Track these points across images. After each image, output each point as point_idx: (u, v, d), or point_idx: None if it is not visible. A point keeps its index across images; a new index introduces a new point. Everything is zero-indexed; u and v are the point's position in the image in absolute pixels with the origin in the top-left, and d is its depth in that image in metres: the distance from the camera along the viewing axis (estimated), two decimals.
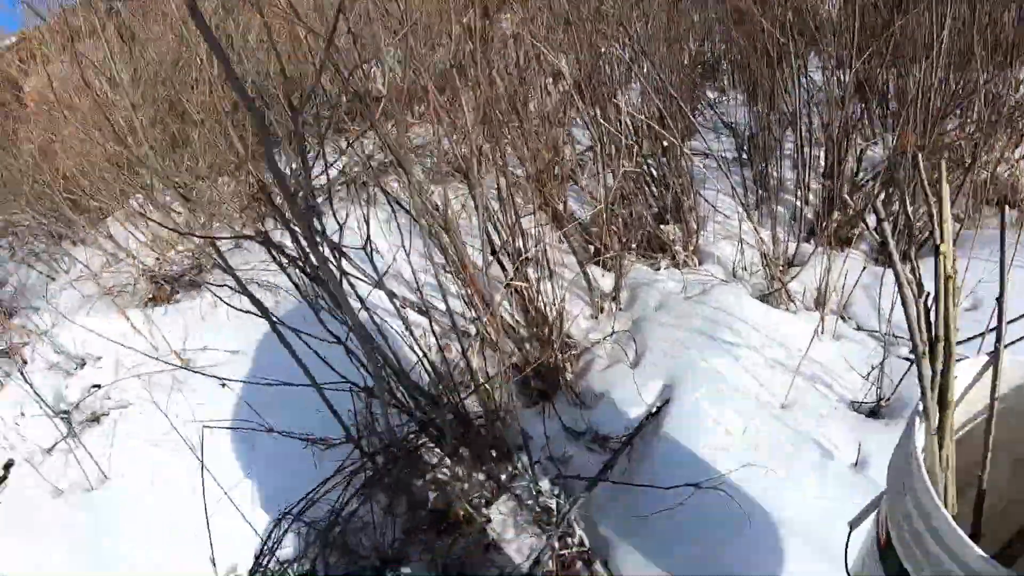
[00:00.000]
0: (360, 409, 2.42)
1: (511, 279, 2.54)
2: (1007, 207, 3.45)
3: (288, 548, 2.34)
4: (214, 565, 2.23)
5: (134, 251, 3.89)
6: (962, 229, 3.17)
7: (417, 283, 2.28)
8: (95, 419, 3.12)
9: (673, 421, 2.40)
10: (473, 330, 2.75)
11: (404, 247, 2.14)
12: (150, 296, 3.82)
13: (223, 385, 3.01)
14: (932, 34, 2.74)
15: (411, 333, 2.23)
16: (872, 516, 1.44)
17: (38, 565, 2.54)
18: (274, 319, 1.85)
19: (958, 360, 1.25)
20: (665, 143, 3.05)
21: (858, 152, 3.31)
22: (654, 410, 2.48)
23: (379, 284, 2.18)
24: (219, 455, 2.70)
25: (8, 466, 2.99)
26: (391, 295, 2.22)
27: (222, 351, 3.30)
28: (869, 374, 2.47)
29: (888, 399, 2.40)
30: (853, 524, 1.47)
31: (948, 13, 2.72)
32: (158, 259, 3.94)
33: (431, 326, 2.33)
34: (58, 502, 2.75)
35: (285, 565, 2.26)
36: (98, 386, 3.27)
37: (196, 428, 2.64)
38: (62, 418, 3.08)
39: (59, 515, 2.70)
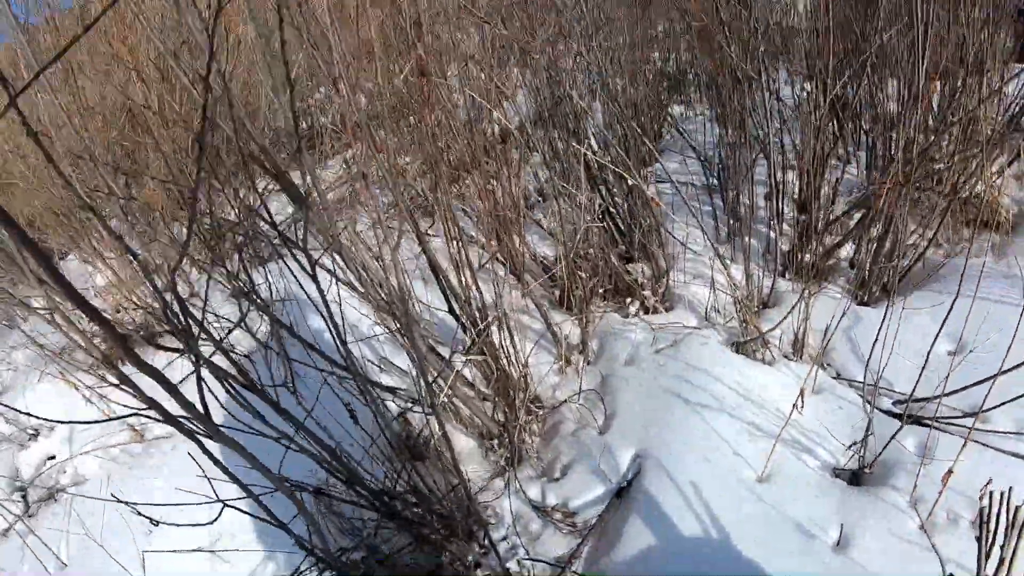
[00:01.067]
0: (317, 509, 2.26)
1: (471, 347, 2.37)
2: (990, 230, 3.32)
3: None
4: None
5: (92, 295, 3.70)
6: (946, 257, 3.01)
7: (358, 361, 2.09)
8: (51, 496, 2.94)
9: (645, 498, 2.23)
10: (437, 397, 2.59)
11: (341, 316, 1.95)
12: (104, 356, 3.61)
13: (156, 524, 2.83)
14: (914, 52, 2.56)
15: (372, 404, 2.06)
16: None
17: None
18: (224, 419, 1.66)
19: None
20: (631, 181, 2.86)
21: (834, 179, 3.11)
22: (625, 484, 2.31)
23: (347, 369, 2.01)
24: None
25: None
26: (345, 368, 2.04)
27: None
28: (851, 446, 2.30)
29: (871, 465, 2.24)
30: None
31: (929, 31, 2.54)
32: (117, 311, 3.74)
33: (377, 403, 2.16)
34: None
35: None
36: (53, 457, 3.09)
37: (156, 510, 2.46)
38: (16, 499, 2.91)
39: None
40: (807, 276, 2.97)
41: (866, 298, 2.99)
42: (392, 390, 2.47)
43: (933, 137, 2.69)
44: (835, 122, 3.23)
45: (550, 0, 2.86)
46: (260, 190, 4.03)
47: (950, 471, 1.89)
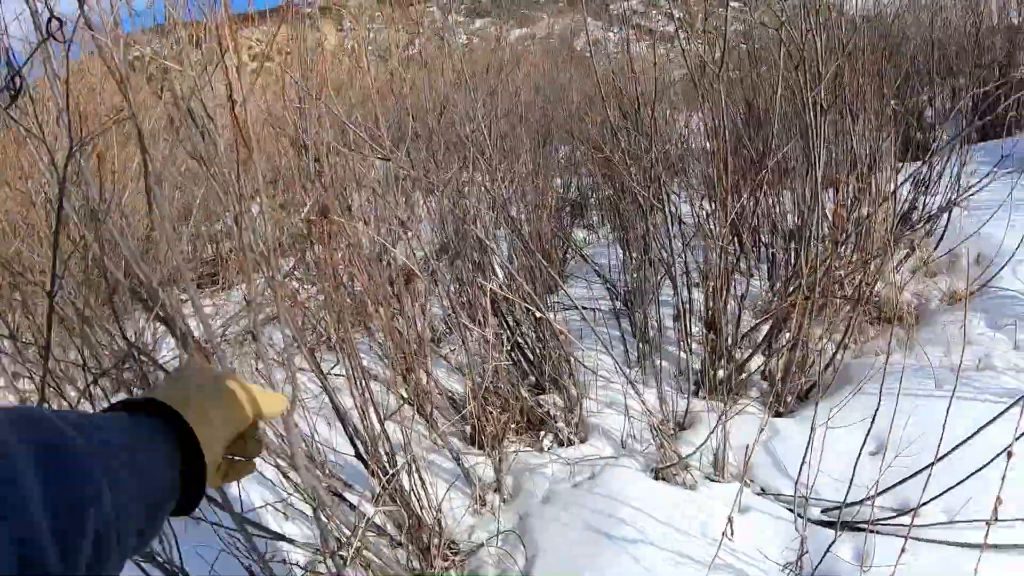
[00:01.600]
0: None
1: (380, 495, 2.19)
2: (892, 325, 3.34)
3: None
4: None
5: None
6: (847, 357, 2.99)
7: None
8: None
9: None
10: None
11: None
12: None
13: None
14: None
15: None
16: None
17: None
18: None
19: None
20: (539, 315, 2.78)
21: (739, 294, 3.10)
22: None
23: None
24: None
25: None
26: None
27: None
28: (786, 566, 2.18)
29: None
30: None
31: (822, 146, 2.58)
32: None
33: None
34: None
35: None
36: None
37: None
38: None
39: None
40: (723, 394, 2.91)
41: (781, 409, 2.93)
42: (288, 540, 2.24)
43: (832, 247, 2.70)
44: (736, 238, 3.24)
45: (454, 133, 2.83)
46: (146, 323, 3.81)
47: None
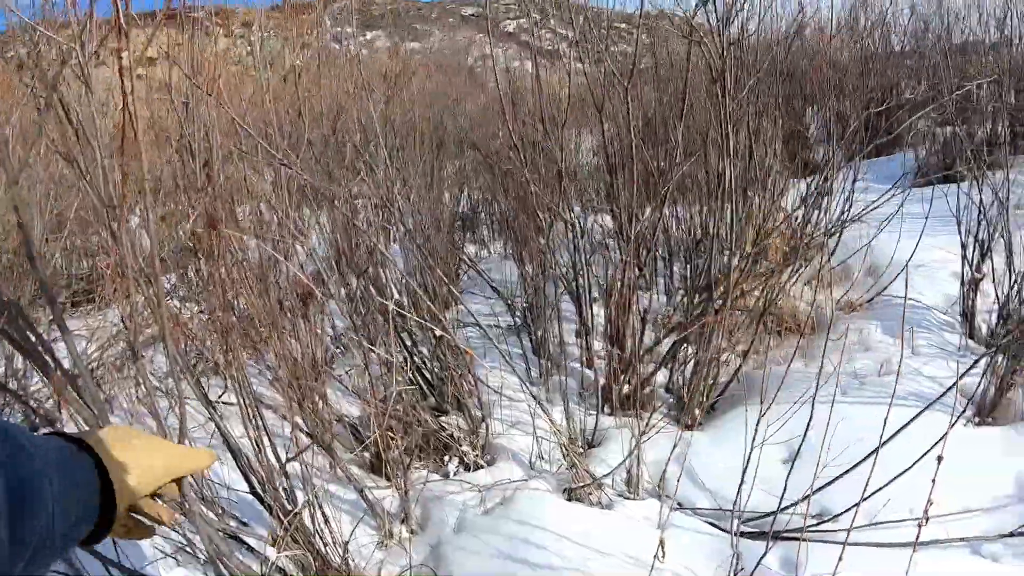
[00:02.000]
0: None
1: (283, 537, 1.98)
2: (789, 336, 3.37)
3: None
4: None
5: None
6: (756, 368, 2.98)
7: None
8: None
9: None
10: None
11: None
12: None
13: None
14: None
15: None
16: None
17: None
18: None
19: None
20: (438, 332, 2.63)
21: (642, 311, 3.03)
22: None
23: None
24: None
25: None
26: None
27: None
28: None
29: None
30: None
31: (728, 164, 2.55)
32: None
33: None
34: None
35: None
36: None
37: None
38: None
39: None
40: (631, 409, 2.83)
41: (690, 422, 2.88)
42: None
43: (748, 261, 2.68)
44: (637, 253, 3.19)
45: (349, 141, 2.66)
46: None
47: None
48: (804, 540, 2.13)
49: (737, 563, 2.04)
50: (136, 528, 0.84)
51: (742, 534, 2.33)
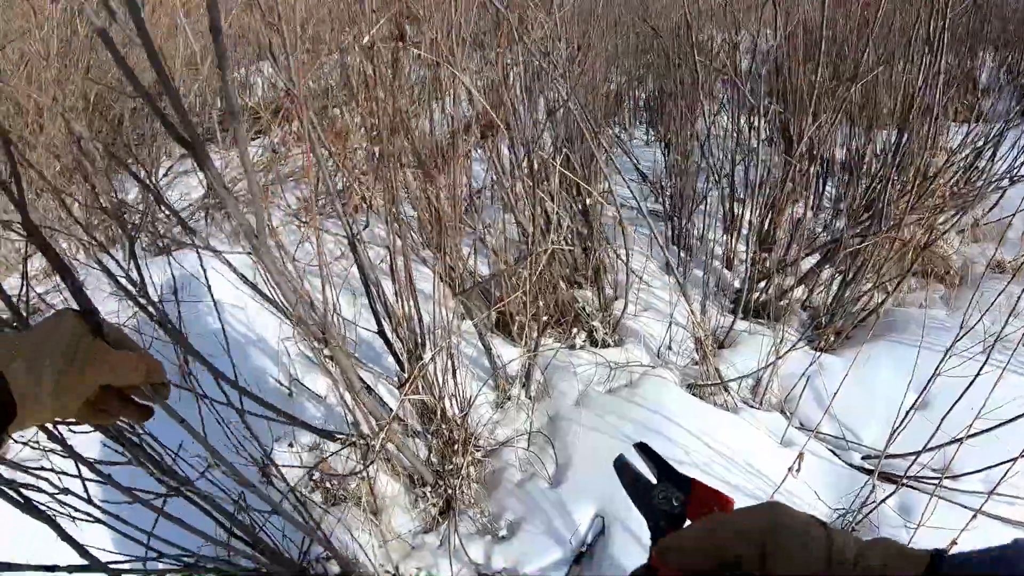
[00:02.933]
0: None
1: (409, 381, 1.89)
2: (932, 279, 3.13)
3: None
4: None
5: None
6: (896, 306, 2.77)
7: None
8: None
9: (610, 565, 1.83)
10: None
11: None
12: None
13: None
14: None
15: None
16: None
17: None
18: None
19: None
20: (589, 200, 2.48)
21: (793, 221, 2.83)
22: (584, 548, 1.90)
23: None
24: None
25: None
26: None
27: None
28: (839, 511, 1.98)
29: (856, 527, 1.93)
30: None
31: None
32: None
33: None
34: None
35: None
36: None
37: None
38: None
39: None
40: (768, 319, 2.67)
41: (822, 344, 2.71)
42: (321, 432, 1.95)
43: (923, 184, 2.44)
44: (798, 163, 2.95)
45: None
46: (164, 171, 3.42)
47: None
48: (907, 487, 1.98)
49: (870, 497, 1.90)
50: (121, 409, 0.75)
51: (860, 470, 2.20)
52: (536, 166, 2.22)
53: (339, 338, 1.57)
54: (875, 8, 2.40)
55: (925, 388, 2.01)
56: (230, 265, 1.59)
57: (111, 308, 2.59)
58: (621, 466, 0.67)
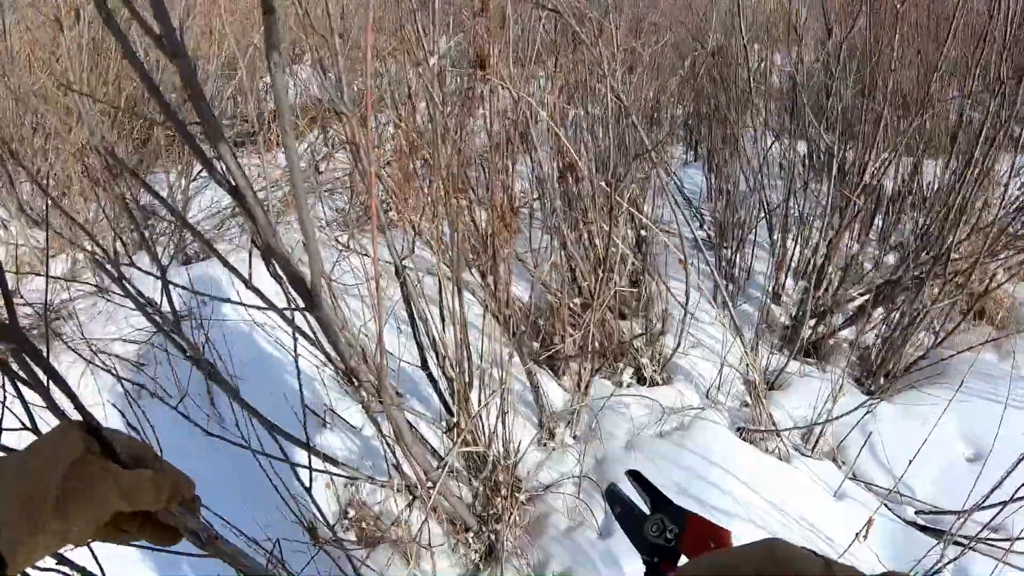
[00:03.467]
0: None
1: (459, 432, 1.77)
2: (981, 323, 3.00)
3: None
4: None
5: None
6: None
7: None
8: None
9: None
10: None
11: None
12: None
13: None
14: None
15: None
16: None
17: None
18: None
19: None
20: (643, 231, 2.36)
21: (846, 258, 2.71)
22: None
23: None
24: None
25: None
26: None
27: None
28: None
29: None
30: None
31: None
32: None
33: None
34: None
35: None
36: None
37: None
38: None
39: None
40: (818, 359, 2.56)
41: (872, 386, 2.60)
42: (369, 479, 1.83)
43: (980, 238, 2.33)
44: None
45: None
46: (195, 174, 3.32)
47: None
48: (972, 549, 1.85)
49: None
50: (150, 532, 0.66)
51: (915, 525, 2.09)
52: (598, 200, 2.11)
53: (393, 393, 1.46)
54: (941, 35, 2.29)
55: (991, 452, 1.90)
56: (262, 297, 1.46)
57: (138, 323, 2.49)
58: (612, 494, 0.67)
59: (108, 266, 1.23)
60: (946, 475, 2.21)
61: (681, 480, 2.04)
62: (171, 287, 1.25)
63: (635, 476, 0.67)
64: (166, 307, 1.32)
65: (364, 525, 1.99)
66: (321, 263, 0.96)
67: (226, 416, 2.26)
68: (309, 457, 1.54)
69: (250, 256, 1.37)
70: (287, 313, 1.20)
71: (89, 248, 2.72)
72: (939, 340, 2.56)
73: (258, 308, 1.16)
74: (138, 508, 0.61)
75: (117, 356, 2.43)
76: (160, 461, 0.65)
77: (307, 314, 1.35)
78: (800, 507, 2.04)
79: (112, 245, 2.82)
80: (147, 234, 2.66)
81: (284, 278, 0.97)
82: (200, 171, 3.79)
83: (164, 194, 3.28)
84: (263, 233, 0.81)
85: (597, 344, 2.30)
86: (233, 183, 0.74)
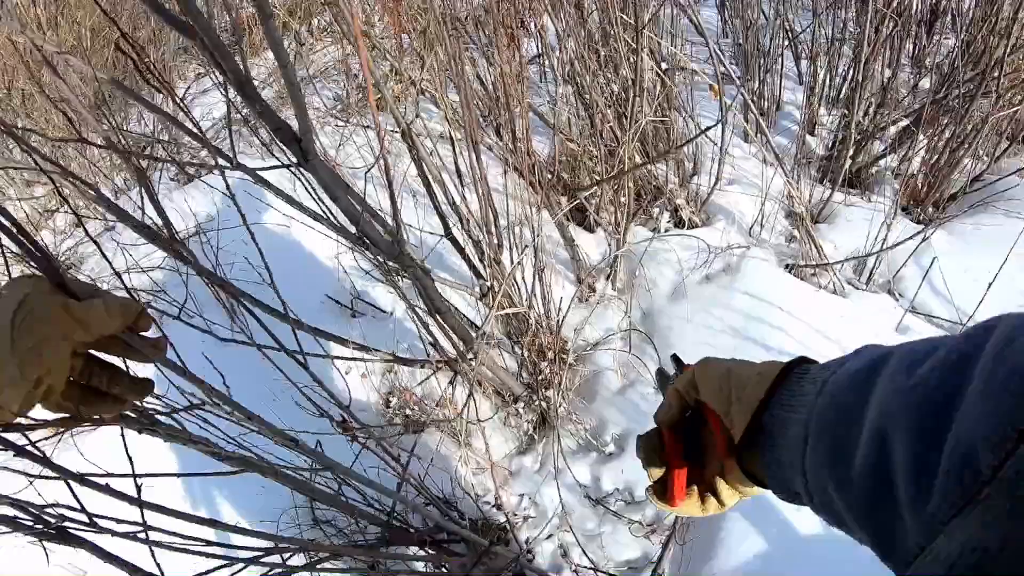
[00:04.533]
0: None
1: (496, 294, 1.59)
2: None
3: None
4: None
5: None
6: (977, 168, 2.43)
7: None
8: None
9: None
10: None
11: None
12: None
13: None
14: None
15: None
16: None
17: None
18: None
19: None
20: (664, 64, 2.11)
21: (884, 79, 2.45)
22: None
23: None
24: None
25: None
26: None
27: None
28: None
29: None
30: None
31: None
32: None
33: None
34: None
35: None
36: None
37: None
38: None
39: None
40: (860, 189, 2.34)
41: (921, 216, 2.40)
42: (407, 361, 1.65)
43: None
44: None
45: None
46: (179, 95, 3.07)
47: None
48: None
49: None
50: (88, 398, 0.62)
51: None
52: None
53: (413, 255, 1.26)
54: None
55: None
56: (266, 183, 1.22)
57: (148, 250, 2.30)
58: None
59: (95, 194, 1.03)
60: (1011, 307, 2.04)
61: (737, 324, 1.86)
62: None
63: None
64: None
65: (408, 412, 1.83)
66: (308, 120, 0.77)
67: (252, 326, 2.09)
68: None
69: None
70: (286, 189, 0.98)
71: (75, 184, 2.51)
72: (989, 164, 2.34)
73: (253, 177, 0.97)
74: (96, 333, 0.59)
75: (132, 288, 2.24)
76: (108, 293, 0.62)
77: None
78: (864, 343, 1.87)
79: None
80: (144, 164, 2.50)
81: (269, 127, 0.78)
82: (186, 91, 3.59)
83: (150, 119, 3.09)
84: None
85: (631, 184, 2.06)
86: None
